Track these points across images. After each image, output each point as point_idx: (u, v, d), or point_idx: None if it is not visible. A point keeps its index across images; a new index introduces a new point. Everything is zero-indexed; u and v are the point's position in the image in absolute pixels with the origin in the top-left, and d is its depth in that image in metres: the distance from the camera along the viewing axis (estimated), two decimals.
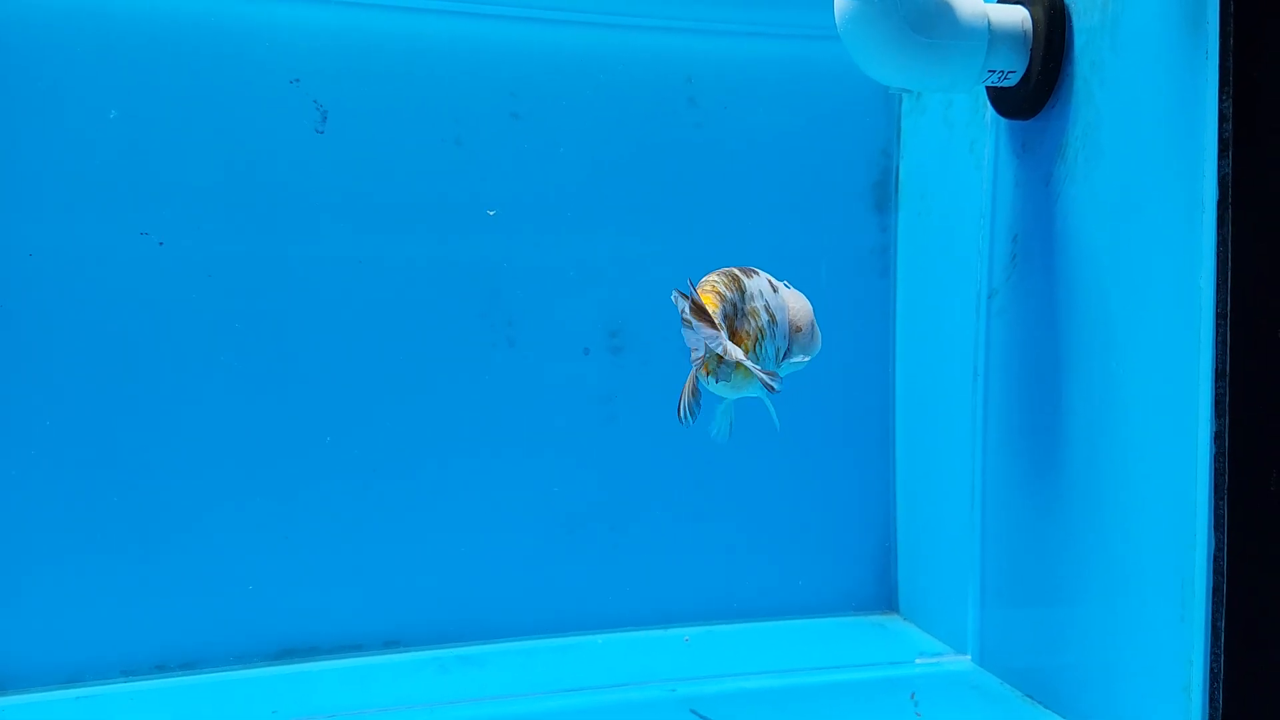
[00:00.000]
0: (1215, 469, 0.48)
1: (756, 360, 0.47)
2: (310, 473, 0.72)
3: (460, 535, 0.75)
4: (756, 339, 0.47)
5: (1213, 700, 0.49)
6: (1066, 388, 0.60)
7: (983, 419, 0.70)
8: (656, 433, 0.80)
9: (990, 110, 0.67)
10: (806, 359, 0.50)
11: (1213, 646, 0.48)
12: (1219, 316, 0.47)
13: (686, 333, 0.45)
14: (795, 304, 0.51)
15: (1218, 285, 0.47)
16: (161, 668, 0.69)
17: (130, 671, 0.69)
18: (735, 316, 0.46)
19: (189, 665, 0.70)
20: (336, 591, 0.73)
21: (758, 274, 0.49)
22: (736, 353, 0.45)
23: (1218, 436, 0.48)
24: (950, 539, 0.74)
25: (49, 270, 0.67)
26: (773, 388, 0.46)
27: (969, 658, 0.71)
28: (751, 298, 0.47)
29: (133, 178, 0.68)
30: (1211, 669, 0.48)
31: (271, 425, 0.71)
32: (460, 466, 0.75)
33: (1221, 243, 0.47)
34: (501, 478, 0.76)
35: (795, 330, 0.50)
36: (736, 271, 0.48)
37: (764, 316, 0.48)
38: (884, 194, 0.83)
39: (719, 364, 0.45)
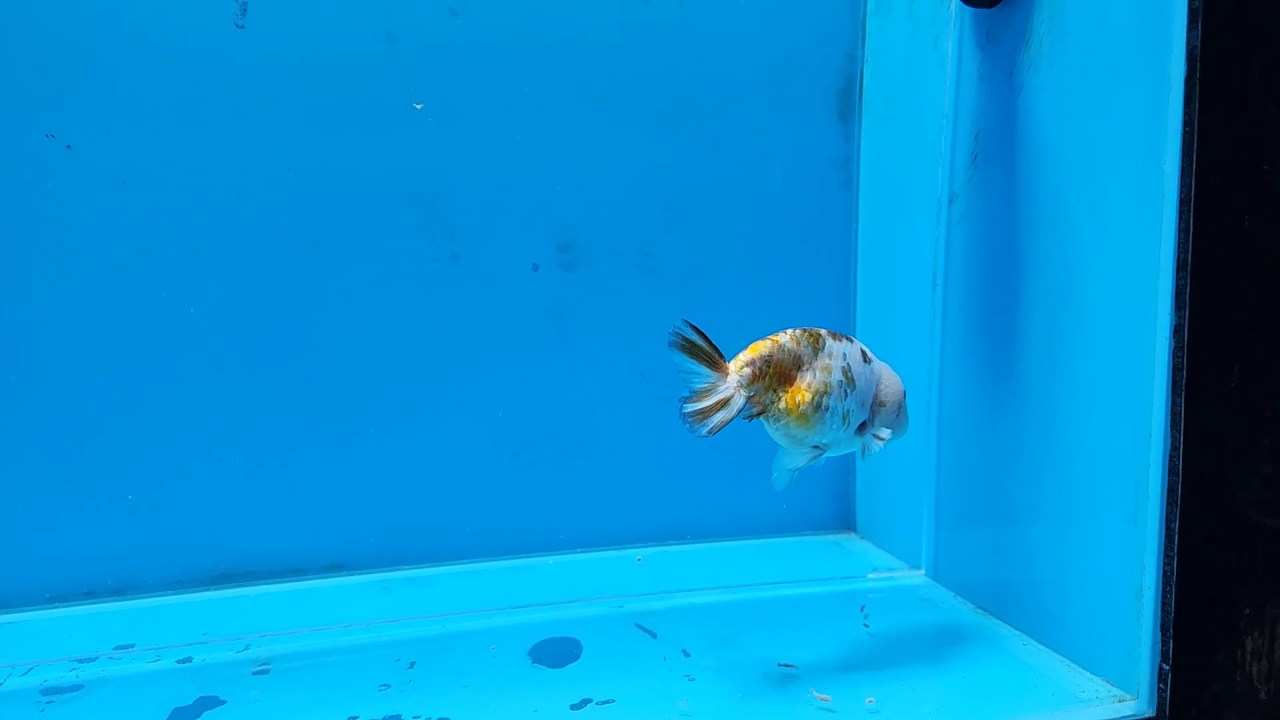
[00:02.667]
0: (1173, 364, 0.46)
1: (819, 413, 0.47)
2: (244, 395, 0.69)
3: (405, 459, 0.72)
4: (821, 393, 0.47)
5: (1164, 604, 0.47)
6: (1024, 291, 0.57)
7: (940, 332, 0.67)
8: (609, 353, 0.77)
9: (955, 1, 0.63)
10: (884, 436, 0.51)
11: (1166, 549, 0.47)
12: (1182, 202, 0.45)
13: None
14: (888, 381, 0.52)
15: (1182, 169, 0.44)
16: (91, 594, 0.67)
17: (58, 598, 0.66)
18: (794, 367, 0.47)
19: (118, 592, 0.67)
20: (274, 517, 0.70)
21: (852, 341, 0.50)
22: (725, 398, 0.45)
23: (1177, 330, 0.45)
24: (908, 455, 0.72)
25: None
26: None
27: (922, 572, 0.70)
28: (829, 355, 0.48)
29: (36, 74, 0.62)
30: (1164, 572, 0.47)
31: (202, 345, 0.67)
32: (404, 388, 0.72)
33: (1188, 122, 0.44)
34: (447, 399, 0.73)
35: (879, 405, 0.51)
36: (824, 332, 0.49)
37: (837, 376, 0.48)
38: (848, 102, 0.79)
39: (760, 408, 0.47)
